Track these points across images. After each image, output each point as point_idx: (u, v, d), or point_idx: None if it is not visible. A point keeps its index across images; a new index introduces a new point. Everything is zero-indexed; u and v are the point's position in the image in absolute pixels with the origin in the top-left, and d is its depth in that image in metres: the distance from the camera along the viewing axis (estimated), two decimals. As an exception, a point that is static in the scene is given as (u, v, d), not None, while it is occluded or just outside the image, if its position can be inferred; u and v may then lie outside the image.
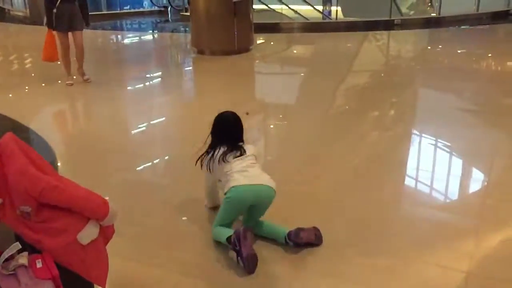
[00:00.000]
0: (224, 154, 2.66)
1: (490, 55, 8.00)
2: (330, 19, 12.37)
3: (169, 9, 13.11)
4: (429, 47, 9.34)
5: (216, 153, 2.70)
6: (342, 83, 6.54)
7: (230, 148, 2.69)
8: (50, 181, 1.78)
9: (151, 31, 11.94)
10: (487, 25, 10.72)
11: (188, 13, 12.30)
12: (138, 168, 3.75)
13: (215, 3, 7.66)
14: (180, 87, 6.74)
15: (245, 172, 2.59)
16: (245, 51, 8.04)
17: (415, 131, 4.62)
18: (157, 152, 4.13)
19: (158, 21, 12.87)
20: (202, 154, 2.78)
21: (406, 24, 10.76)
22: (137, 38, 10.83)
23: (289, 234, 2.56)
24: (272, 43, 9.67)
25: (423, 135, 4.49)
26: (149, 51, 9.32)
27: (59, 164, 3.79)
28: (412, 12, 16.56)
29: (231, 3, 7.51)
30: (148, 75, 7.08)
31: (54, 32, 5.86)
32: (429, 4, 18.24)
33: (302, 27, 10.96)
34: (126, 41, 10.76)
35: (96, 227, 1.89)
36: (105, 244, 2.00)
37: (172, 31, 11.61)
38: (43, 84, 6.35)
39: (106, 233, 1.99)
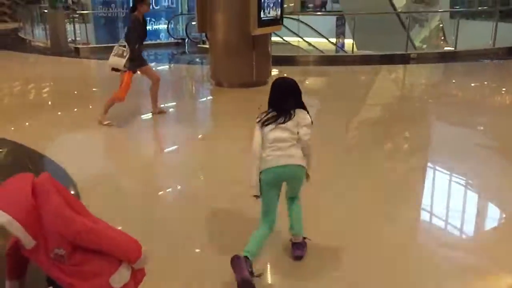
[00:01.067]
0: (267, 119, 2.71)
1: (504, 89, 7.98)
2: (345, 52, 12.48)
3: (186, 41, 13.32)
4: (444, 81, 9.29)
5: (264, 115, 2.74)
6: (355, 116, 6.55)
7: (276, 114, 2.71)
8: (85, 223, 1.74)
9: (168, 63, 12.09)
10: (503, 60, 10.72)
11: (205, 45, 12.57)
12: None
13: (234, 36, 7.73)
14: (198, 119, 6.78)
15: (275, 150, 2.65)
16: (263, 83, 8.07)
17: (429, 166, 4.61)
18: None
19: (175, 52, 13.05)
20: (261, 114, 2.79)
21: (422, 58, 10.79)
22: (155, 69, 10.94)
23: (294, 244, 2.87)
24: (286, 75, 9.70)
25: (437, 169, 4.47)
26: (167, 83, 9.40)
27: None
28: (425, 46, 16.67)
29: (250, 36, 7.59)
30: (166, 106, 7.12)
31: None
32: (442, 38, 18.36)
33: (317, 60, 11.04)
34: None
35: (128, 270, 1.84)
36: (135, 287, 1.95)
37: (189, 63, 11.75)
38: (59, 113, 6.41)
39: (136, 276, 1.94)
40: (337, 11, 19.74)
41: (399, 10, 15.03)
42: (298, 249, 2.85)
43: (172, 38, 14.27)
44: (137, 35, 5.66)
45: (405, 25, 15.46)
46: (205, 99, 8.19)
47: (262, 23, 7.57)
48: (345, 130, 5.93)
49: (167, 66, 11.62)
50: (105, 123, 5.77)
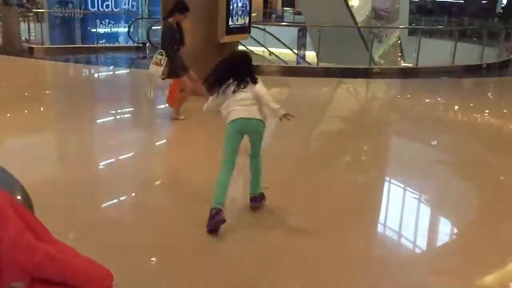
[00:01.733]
0: (229, 85, 3.29)
1: (461, 106, 8.17)
2: (308, 63, 12.50)
3: (147, 45, 12.93)
4: (405, 97, 9.40)
5: (226, 83, 3.29)
6: (315, 128, 6.51)
7: (236, 82, 3.28)
8: (48, 252, 1.48)
9: (128, 67, 11.68)
10: (461, 78, 11.02)
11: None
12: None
13: (201, 43, 7.49)
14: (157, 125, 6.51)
15: (242, 106, 3.25)
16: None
17: (385, 179, 4.66)
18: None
19: (135, 57, 12.64)
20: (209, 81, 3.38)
21: (385, 73, 10.93)
22: (113, 73, 10.61)
23: (252, 198, 3.52)
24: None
25: (393, 183, 4.54)
26: (129, 88, 9.09)
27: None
28: (382, 61, 17.05)
29: (218, 43, 7.38)
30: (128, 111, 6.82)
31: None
32: (399, 54, 18.83)
33: (281, 70, 10.98)
34: (102, 75, 10.49)
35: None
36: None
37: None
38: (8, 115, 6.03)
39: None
40: (299, 22, 19.94)
41: (360, 25, 15.33)
42: (255, 201, 3.50)
43: (133, 42, 13.84)
44: (172, 41, 5.75)
45: (366, 40, 15.80)
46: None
47: (230, 31, 7.39)
48: (305, 141, 5.87)
49: (128, 70, 11.22)
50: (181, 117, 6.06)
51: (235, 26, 7.51)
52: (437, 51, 12.70)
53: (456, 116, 7.76)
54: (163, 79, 5.81)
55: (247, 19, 7.83)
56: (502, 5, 29.55)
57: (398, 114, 7.50)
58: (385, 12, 17.21)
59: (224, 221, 3.08)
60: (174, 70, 5.80)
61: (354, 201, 3.90)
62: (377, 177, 4.68)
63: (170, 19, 5.81)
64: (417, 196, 4.23)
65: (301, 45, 16.56)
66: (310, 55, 14.82)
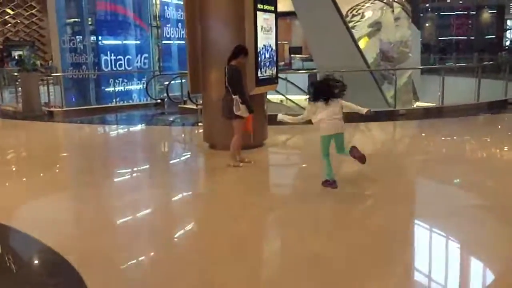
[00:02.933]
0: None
1: (495, 145, 7.92)
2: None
3: (165, 101, 12.92)
4: (430, 137, 9.08)
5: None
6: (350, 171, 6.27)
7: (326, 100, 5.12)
8: None
9: (149, 124, 11.57)
10: (487, 114, 10.81)
11: (186, 106, 12.18)
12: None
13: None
14: (192, 182, 6.24)
15: (331, 121, 5.10)
16: (259, 145, 7.66)
17: (416, 222, 4.56)
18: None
19: (154, 113, 12.57)
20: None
21: (410, 114, 10.74)
22: (133, 131, 10.48)
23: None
24: (277, 135, 9.32)
25: (421, 226, 4.42)
26: (154, 145, 8.89)
27: None
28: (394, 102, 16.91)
29: (248, 95, 7.22)
30: (159, 170, 6.59)
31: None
32: (413, 93, 18.73)
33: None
34: (123, 134, 10.36)
35: None
36: None
37: (172, 124, 11.24)
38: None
39: None
40: (310, 69, 20.01)
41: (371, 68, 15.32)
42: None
43: (150, 99, 13.85)
44: (241, 81, 6.15)
45: (378, 82, 15.75)
46: (199, 163, 7.69)
47: (259, 83, 7.26)
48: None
49: (150, 127, 11.10)
50: (241, 165, 6.42)
51: (264, 77, 7.39)
52: (456, 89, 12.56)
53: (490, 155, 7.46)
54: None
55: (274, 70, 7.72)
56: (506, 40, 30.03)
57: (423, 155, 7.23)
58: (392, 55, 17.26)
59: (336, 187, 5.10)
60: (250, 106, 6.19)
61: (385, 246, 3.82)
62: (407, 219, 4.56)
63: (233, 62, 6.19)
64: (456, 244, 4.04)
65: (313, 91, 16.58)
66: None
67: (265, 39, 7.31)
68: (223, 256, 3.78)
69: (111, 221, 4.74)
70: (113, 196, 5.62)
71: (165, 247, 4.04)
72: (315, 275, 3.38)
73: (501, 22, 30.85)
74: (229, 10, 7.12)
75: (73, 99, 13.90)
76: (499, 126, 10.25)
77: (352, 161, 5.20)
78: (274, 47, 7.58)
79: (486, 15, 31.18)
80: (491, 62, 18.59)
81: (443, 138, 8.82)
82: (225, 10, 7.15)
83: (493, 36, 30.21)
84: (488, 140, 8.41)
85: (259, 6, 7.07)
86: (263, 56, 7.31)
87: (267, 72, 7.46)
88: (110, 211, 5.04)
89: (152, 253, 3.95)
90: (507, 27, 31.73)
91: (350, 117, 10.18)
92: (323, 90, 5.10)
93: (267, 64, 7.43)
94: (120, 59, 14.18)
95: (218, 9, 7.17)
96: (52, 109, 12.13)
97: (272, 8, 7.45)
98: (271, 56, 7.53)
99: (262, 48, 7.25)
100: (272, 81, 7.73)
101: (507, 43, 29.79)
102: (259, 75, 7.22)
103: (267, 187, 6.14)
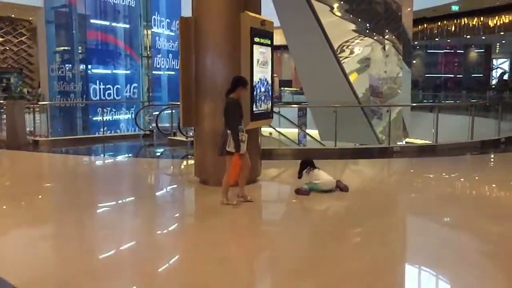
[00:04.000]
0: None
1: (495, 185, 7.74)
2: (323, 145, 12.20)
3: (154, 132, 12.63)
4: (424, 175, 8.89)
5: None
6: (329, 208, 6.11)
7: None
8: None
9: (136, 155, 11.24)
10: (480, 154, 10.72)
11: (176, 137, 11.91)
12: None
13: (223, 128, 7.10)
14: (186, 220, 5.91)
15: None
16: (253, 181, 7.38)
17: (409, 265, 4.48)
18: None
19: (142, 145, 12.26)
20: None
21: (404, 152, 10.58)
22: (120, 162, 10.14)
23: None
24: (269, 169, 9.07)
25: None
26: (140, 178, 8.55)
27: None
28: (384, 138, 16.91)
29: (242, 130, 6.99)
30: (141, 206, 6.26)
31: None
32: (403, 129, 18.75)
33: (295, 153, 10.54)
34: (110, 166, 10.01)
35: None
36: None
37: (160, 157, 10.93)
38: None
39: None
40: (299, 102, 19.99)
41: (362, 103, 15.31)
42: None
43: (139, 129, 13.55)
44: (236, 116, 5.91)
45: (368, 117, 15.72)
46: (189, 199, 7.38)
47: (254, 117, 7.04)
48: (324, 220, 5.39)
49: (138, 159, 10.76)
50: (234, 202, 6.13)
51: (259, 111, 7.18)
52: (446, 126, 12.52)
53: (491, 196, 7.31)
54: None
55: (270, 104, 7.53)
56: (493, 78, 30.57)
57: (417, 193, 7.03)
58: (381, 91, 17.31)
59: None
60: (237, 145, 5.89)
61: None
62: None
63: (232, 95, 5.96)
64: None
65: (302, 124, 16.52)
66: (313, 133, 14.71)
67: (261, 72, 7.14)
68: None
69: (88, 260, 4.41)
70: (93, 234, 5.28)
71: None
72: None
73: (488, 61, 31.50)
74: (225, 42, 6.94)
75: (59, 129, 13.56)
76: (496, 166, 10.12)
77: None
78: (269, 81, 7.41)
79: (473, 54, 31.83)
80: (482, 101, 18.77)
81: (444, 176, 8.65)
82: (221, 42, 6.97)
83: (481, 75, 30.77)
84: (487, 180, 8.23)
85: (256, 39, 6.92)
86: (258, 90, 7.12)
87: (262, 106, 7.26)
88: (87, 250, 4.72)
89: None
90: (493, 66, 32.38)
91: (344, 153, 10.26)
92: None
93: (263, 98, 7.24)
94: (109, 89, 13.98)
95: (214, 41, 7.00)
96: (37, 138, 11.75)
97: (269, 42, 7.31)
98: (267, 90, 7.35)
99: (258, 82, 7.07)
100: (267, 115, 7.52)
101: (494, 81, 30.32)
102: (254, 109, 7.01)
103: (257, 227, 5.82)
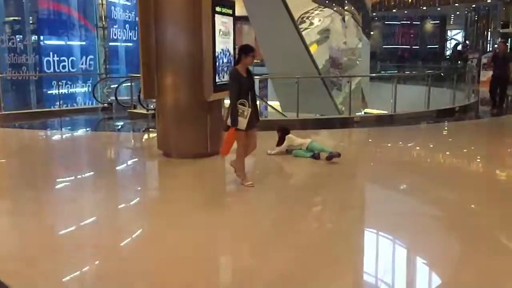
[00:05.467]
0: None
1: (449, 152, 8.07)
2: (284, 116, 12.26)
3: (113, 105, 12.31)
4: (382, 144, 9.11)
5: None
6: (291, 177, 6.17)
7: None
8: None
9: (96, 129, 10.95)
10: (436, 122, 11.08)
11: (136, 110, 11.67)
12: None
13: (186, 101, 7.03)
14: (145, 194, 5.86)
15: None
16: (217, 153, 7.36)
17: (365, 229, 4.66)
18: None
19: (101, 118, 11.95)
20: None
21: (364, 122, 10.80)
22: (78, 137, 9.89)
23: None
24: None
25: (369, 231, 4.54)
26: (101, 152, 8.37)
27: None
28: (344, 108, 17.21)
29: (204, 102, 6.93)
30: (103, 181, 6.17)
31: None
32: (362, 100, 19.09)
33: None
34: (68, 140, 9.75)
35: None
36: None
37: (120, 130, 10.69)
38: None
39: None
40: (261, 74, 19.91)
41: (322, 74, 15.43)
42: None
43: (97, 103, 13.17)
44: (238, 89, 5.36)
45: (329, 88, 15.88)
46: (152, 172, 7.31)
47: (217, 88, 6.98)
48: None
49: (97, 133, 10.50)
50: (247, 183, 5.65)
51: (222, 83, 7.11)
52: (403, 96, 12.80)
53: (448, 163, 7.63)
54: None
55: (232, 75, 7.46)
56: (448, 49, 31.40)
57: (375, 161, 7.27)
58: (341, 62, 17.49)
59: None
60: (232, 119, 5.37)
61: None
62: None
63: (238, 65, 5.53)
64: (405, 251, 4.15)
65: (263, 96, 16.53)
66: (274, 105, 14.79)
67: (223, 43, 7.05)
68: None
69: (49, 235, 4.37)
70: (52, 209, 5.18)
71: (109, 260, 3.80)
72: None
73: (443, 32, 32.25)
74: (185, 12, 6.79)
75: (8, 102, 12.99)
76: (450, 134, 10.50)
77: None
78: (232, 52, 7.33)
79: (429, 25, 32.47)
80: (437, 72, 19.29)
81: (401, 145, 8.91)
82: (181, 12, 6.82)
83: (436, 46, 31.51)
84: (441, 148, 8.54)
85: (218, 9, 6.80)
86: (221, 61, 7.04)
87: (224, 77, 7.19)
88: (48, 224, 4.66)
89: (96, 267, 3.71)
90: (448, 37, 33.20)
91: (306, 124, 10.36)
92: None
93: (225, 69, 7.17)
94: (63, 61, 13.45)
95: (174, 11, 6.83)
96: (-12, 112, 11.25)
97: (231, 12, 7.20)
98: (229, 61, 7.27)
99: (220, 53, 6.99)
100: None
101: (448, 52, 31.15)
102: (216, 80, 6.95)
103: (221, 199, 5.84)
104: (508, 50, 21.77)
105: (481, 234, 4.36)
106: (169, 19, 6.85)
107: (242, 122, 5.31)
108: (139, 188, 6.15)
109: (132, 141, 9.74)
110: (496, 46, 14.36)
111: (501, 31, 24.85)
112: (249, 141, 5.63)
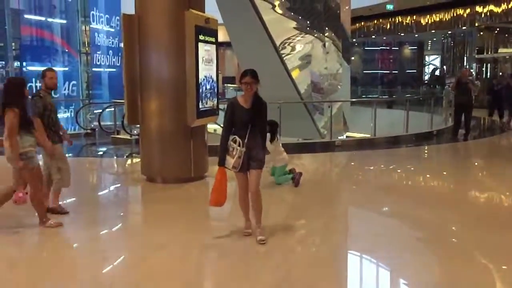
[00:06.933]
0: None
1: (429, 176, 8.30)
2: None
3: (96, 130, 12.31)
4: (364, 167, 9.28)
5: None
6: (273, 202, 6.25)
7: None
8: None
9: (73, 155, 10.90)
10: (415, 146, 11.33)
11: (119, 136, 11.69)
12: None
13: (170, 127, 7.11)
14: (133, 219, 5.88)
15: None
16: (200, 178, 7.44)
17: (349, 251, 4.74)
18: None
19: (83, 144, 11.93)
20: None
21: (346, 146, 10.99)
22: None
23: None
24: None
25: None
26: (86, 178, 8.36)
27: None
28: (326, 132, 17.44)
29: (188, 127, 7.04)
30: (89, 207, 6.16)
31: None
32: (343, 123, 19.36)
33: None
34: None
35: None
36: None
37: (104, 156, 10.69)
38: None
39: None
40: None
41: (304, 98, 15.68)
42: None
43: (79, 128, 13.17)
44: (227, 122, 4.63)
45: (312, 112, 16.10)
46: (137, 198, 7.32)
47: (200, 114, 7.10)
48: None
49: (80, 159, 10.46)
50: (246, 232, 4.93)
51: (205, 109, 7.24)
52: (383, 120, 13.07)
53: (430, 187, 7.81)
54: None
55: (215, 101, 7.60)
56: (426, 74, 32.17)
57: (357, 185, 7.42)
58: (322, 87, 17.81)
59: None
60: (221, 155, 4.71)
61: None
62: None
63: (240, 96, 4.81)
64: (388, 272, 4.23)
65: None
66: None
67: (206, 70, 7.20)
68: None
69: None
70: (33, 238, 5.10)
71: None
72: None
73: (421, 57, 33.09)
74: (170, 40, 6.94)
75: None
76: (429, 157, 10.74)
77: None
78: (215, 78, 7.48)
79: (407, 51, 33.31)
80: (416, 96, 19.74)
81: (382, 168, 9.10)
82: (165, 39, 6.96)
83: (414, 71, 32.28)
84: (420, 171, 8.74)
85: (201, 37, 6.97)
86: (204, 88, 7.18)
87: (208, 103, 7.33)
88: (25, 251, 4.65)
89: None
90: (426, 62, 34.06)
91: (288, 148, 10.46)
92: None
93: (208, 95, 7.31)
94: (46, 86, 13.43)
95: (159, 38, 6.97)
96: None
97: (213, 40, 7.38)
98: (212, 87, 7.42)
99: (203, 79, 7.13)
100: (213, 112, 7.60)
101: (426, 77, 31.91)
102: (200, 106, 7.07)
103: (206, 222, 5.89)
104: (486, 76, 22.53)
105: (458, 251, 4.52)
106: (153, 47, 6.99)
107: (229, 162, 4.58)
108: (121, 214, 6.15)
109: (116, 166, 9.75)
110: (459, 73, 14.48)
111: (476, 56, 25.63)
112: (240, 182, 4.76)
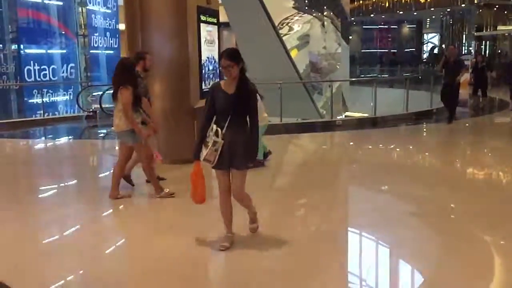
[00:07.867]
0: None
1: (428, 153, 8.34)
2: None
3: (97, 113, 12.33)
4: (363, 146, 9.36)
5: None
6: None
7: None
8: None
9: (74, 138, 10.96)
10: (414, 124, 11.39)
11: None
12: None
13: (173, 108, 7.14)
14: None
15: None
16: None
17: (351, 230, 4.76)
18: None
19: (85, 126, 11.96)
20: None
21: (346, 125, 11.04)
22: (63, 145, 9.89)
23: None
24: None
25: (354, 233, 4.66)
26: (87, 160, 8.42)
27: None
28: (325, 112, 17.49)
29: (191, 108, 7.07)
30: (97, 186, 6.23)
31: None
32: (343, 103, 19.40)
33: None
34: (52, 149, 9.75)
35: None
36: None
37: (106, 138, 10.74)
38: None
39: None
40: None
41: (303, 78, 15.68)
42: None
43: (81, 111, 13.19)
44: (208, 108, 3.97)
45: (311, 93, 16.11)
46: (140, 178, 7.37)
47: (203, 95, 7.12)
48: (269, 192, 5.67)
49: (82, 141, 10.51)
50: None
51: (207, 89, 7.25)
52: (383, 99, 13.10)
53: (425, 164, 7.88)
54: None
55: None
56: (424, 53, 32.09)
57: (358, 163, 7.51)
58: (320, 67, 17.78)
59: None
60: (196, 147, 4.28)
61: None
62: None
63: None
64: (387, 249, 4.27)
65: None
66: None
67: (209, 51, 7.21)
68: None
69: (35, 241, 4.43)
70: (37, 215, 5.18)
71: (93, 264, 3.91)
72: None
73: (419, 36, 32.98)
74: (171, 21, 6.92)
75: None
76: (428, 136, 10.81)
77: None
78: (217, 59, 7.49)
79: (406, 29, 33.17)
80: (415, 75, 19.72)
81: (381, 147, 9.17)
82: (167, 21, 6.94)
83: (413, 49, 32.22)
84: (419, 150, 8.82)
85: (202, 18, 6.96)
86: (206, 68, 7.20)
87: (210, 84, 7.34)
88: (34, 231, 4.70)
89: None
90: (424, 40, 33.92)
91: (289, 128, 10.57)
92: None
93: (211, 76, 7.33)
94: (44, 69, 13.41)
95: (160, 20, 6.95)
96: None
97: (215, 20, 7.37)
98: (214, 68, 7.44)
99: (206, 60, 7.14)
100: (215, 93, 7.61)
101: (425, 55, 31.84)
102: (203, 87, 7.09)
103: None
104: (485, 55, 22.39)
105: (455, 226, 4.63)
106: (155, 28, 6.97)
107: (203, 154, 3.82)
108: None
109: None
110: (446, 52, 13.99)
111: (475, 34, 25.56)
112: (224, 183, 3.96)
